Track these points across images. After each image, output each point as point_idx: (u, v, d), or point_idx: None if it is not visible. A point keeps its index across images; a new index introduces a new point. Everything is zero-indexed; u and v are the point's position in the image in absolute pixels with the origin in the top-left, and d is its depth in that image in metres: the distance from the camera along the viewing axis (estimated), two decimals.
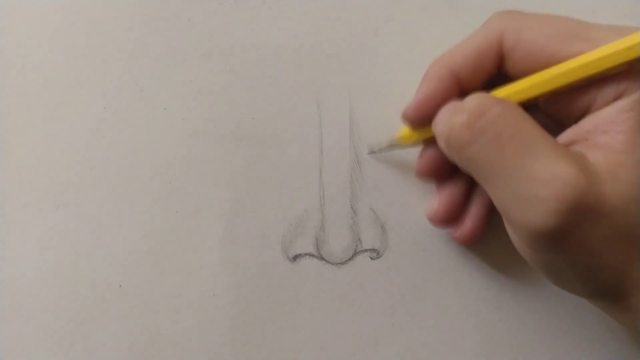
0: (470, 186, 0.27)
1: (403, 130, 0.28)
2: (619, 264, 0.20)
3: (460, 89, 0.25)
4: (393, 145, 0.28)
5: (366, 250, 0.29)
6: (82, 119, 0.29)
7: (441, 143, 0.24)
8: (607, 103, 0.22)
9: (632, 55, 0.21)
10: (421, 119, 0.25)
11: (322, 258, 0.29)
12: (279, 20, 0.29)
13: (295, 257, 0.29)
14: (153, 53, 0.29)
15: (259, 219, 0.29)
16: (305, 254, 0.29)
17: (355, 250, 0.29)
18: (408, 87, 0.30)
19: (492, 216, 0.27)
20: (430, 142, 0.26)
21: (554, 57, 0.22)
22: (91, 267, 0.29)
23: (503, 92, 0.24)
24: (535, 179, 0.19)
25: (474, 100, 0.22)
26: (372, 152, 0.29)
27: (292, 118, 0.29)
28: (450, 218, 0.27)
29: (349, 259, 0.29)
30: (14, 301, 0.29)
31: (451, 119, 0.22)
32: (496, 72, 0.25)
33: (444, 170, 0.27)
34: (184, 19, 0.29)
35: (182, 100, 0.29)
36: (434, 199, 0.28)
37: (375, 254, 0.29)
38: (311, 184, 0.29)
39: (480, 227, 0.27)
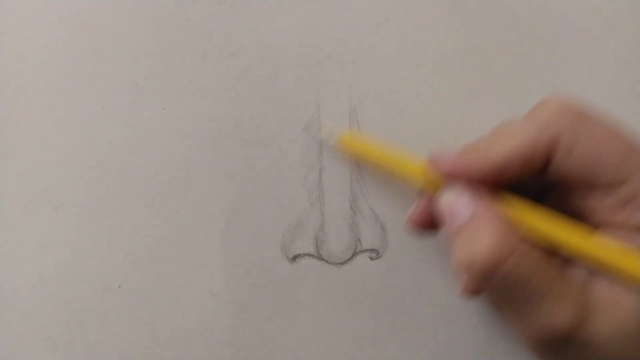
0: None
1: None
2: None
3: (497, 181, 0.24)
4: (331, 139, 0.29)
5: (366, 250, 0.29)
6: (82, 119, 0.29)
7: (455, 268, 0.24)
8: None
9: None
10: (447, 179, 0.24)
11: (321, 258, 0.29)
12: (278, 20, 0.29)
13: (295, 257, 0.29)
14: (152, 53, 0.29)
15: (258, 219, 0.29)
16: (305, 254, 0.29)
17: (355, 250, 0.29)
18: (409, 86, 0.30)
19: None
20: (424, 195, 0.26)
21: (596, 181, 0.22)
22: (91, 267, 0.29)
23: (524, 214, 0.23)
24: (540, 315, 0.21)
25: (492, 242, 0.21)
26: (305, 129, 0.29)
27: (292, 118, 0.29)
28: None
29: (349, 259, 0.29)
30: (14, 301, 0.29)
31: (469, 257, 0.22)
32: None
33: (436, 224, 0.26)
34: (184, 19, 0.29)
35: (182, 100, 0.29)
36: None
37: (375, 254, 0.29)
38: (311, 184, 0.29)
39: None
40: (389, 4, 0.30)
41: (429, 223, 0.26)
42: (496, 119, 0.29)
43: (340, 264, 0.29)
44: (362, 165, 0.29)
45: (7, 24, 0.29)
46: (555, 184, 0.23)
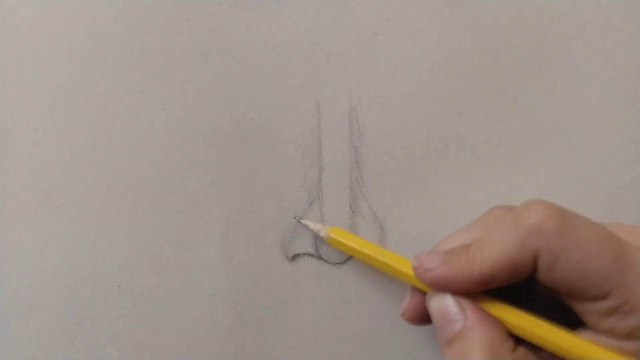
0: None
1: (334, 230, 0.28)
2: None
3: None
4: (316, 233, 0.29)
5: None
6: (82, 119, 0.29)
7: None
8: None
9: None
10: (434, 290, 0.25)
11: (321, 258, 0.29)
12: (278, 20, 0.29)
13: (295, 257, 0.29)
14: (153, 53, 0.29)
15: (258, 219, 0.29)
16: (304, 254, 0.29)
17: None
18: (408, 86, 0.29)
19: None
20: (418, 290, 0.26)
21: (582, 294, 0.21)
22: (91, 267, 0.29)
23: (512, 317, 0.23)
24: None
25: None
26: (298, 219, 0.29)
27: (292, 118, 0.29)
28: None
29: (348, 259, 0.29)
30: (14, 301, 0.29)
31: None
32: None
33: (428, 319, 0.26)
34: (184, 19, 0.29)
35: (182, 101, 0.29)
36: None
37: None
38: (311, 184, 0.29)
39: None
40: (389, 4, 0.30)
41: (424, 317, 0.26)
42: (496, 119, 0.30)
43: (339, 263, 0.29)
44: (361, 165, 0.29)
45: (7, 24, 0.29)
46: (542, 288, 0.23)
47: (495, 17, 0.30)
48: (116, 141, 0.29)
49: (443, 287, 0.24)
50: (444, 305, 0.24)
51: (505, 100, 0.30)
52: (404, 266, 0.26)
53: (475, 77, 0.30)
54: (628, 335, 0.21)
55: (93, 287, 0.29)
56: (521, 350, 0.22)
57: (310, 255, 0.29)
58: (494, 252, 0.22)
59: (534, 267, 0.22)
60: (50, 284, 0.29)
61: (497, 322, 0.23)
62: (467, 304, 0.23)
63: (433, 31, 0.30)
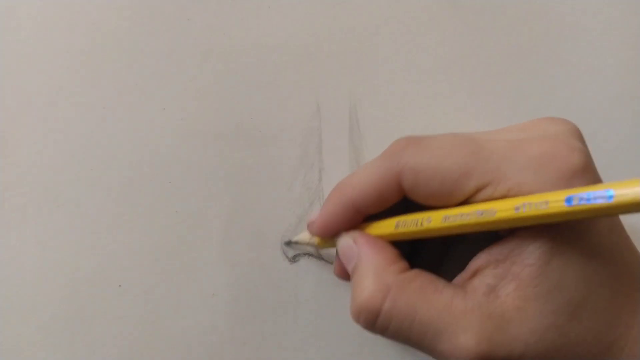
0: None
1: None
2: None
3: (363, 213, 0.24)
4: (309, 244, 0.28)
5: None
6: (82, 118, 0.29)
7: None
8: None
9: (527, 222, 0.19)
10: (327, 236, 0.25)
11: (321, 258, 0.29)
12: (278, 20, 0.29)
13: (295, 257, 0.29)
14: (152, 53, 0.29)
15: (258, 219, 0.29)
16: (305, 254, 0.29)
17: None
18: (409, 86, 0.30)
19: None
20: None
21: (452, 198, 0.21)
22: (91, 267, 0.29)
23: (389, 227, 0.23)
24: (443, 355, 0.20)
25: (364, 296, 0.21)
26: (287, 243, 0.29)
27: (292, 118, 0.29)
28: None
29: None
30: (14, 301, 0.28)
31: (355, 306, 0.22)
32: (400, 199, 0.24)
33: None
34: (183, 19, 0.29)
35: (182, 100, 0.29)
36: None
37: None
38: (311, 184, 0.29)
39: None
40: (388, 4, 0.30)
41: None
42: (496, 119, 0.30)
43: None
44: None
45: (7, 24, 0.29)
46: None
47: (494, 17, 0.30)
48: (116, 141, 0.29)
49: (329, 228, 0.24)
50: (342, 245, 0.24)
51: (505, 100, 0.30)
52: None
53: (475, 76, 0.30)
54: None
55: (93, 287, 0.29)
56: (414, 271, 0.22)
57: (310, 255, 0.29)
58: (360, 177, 0.23)
59: (401, 188, 0.22)
60: (50, 284, 0.29)
61: (387, 247, 0.23)
62: (358, 235, 0.24)
63: (432, 31, 0.30)
